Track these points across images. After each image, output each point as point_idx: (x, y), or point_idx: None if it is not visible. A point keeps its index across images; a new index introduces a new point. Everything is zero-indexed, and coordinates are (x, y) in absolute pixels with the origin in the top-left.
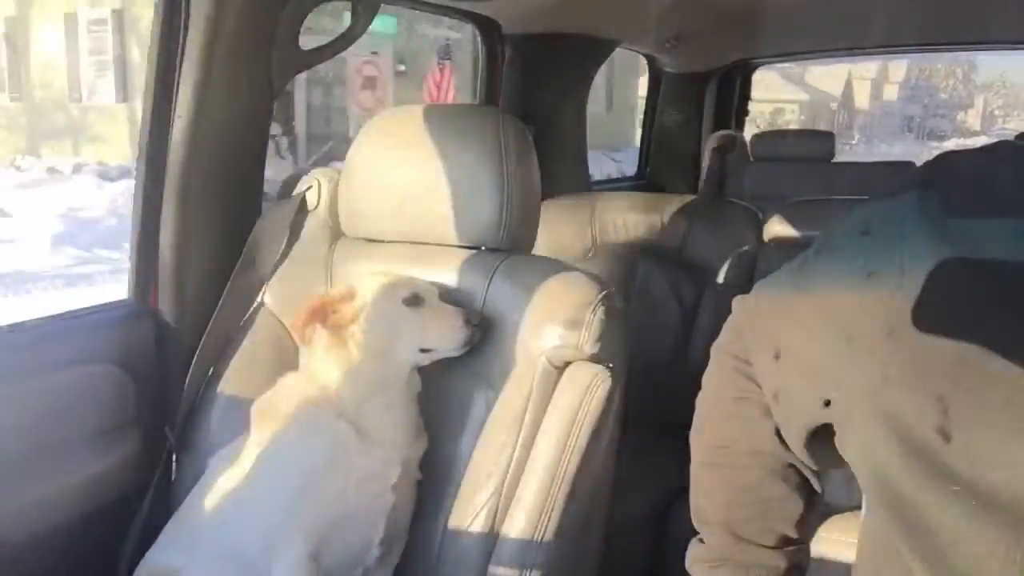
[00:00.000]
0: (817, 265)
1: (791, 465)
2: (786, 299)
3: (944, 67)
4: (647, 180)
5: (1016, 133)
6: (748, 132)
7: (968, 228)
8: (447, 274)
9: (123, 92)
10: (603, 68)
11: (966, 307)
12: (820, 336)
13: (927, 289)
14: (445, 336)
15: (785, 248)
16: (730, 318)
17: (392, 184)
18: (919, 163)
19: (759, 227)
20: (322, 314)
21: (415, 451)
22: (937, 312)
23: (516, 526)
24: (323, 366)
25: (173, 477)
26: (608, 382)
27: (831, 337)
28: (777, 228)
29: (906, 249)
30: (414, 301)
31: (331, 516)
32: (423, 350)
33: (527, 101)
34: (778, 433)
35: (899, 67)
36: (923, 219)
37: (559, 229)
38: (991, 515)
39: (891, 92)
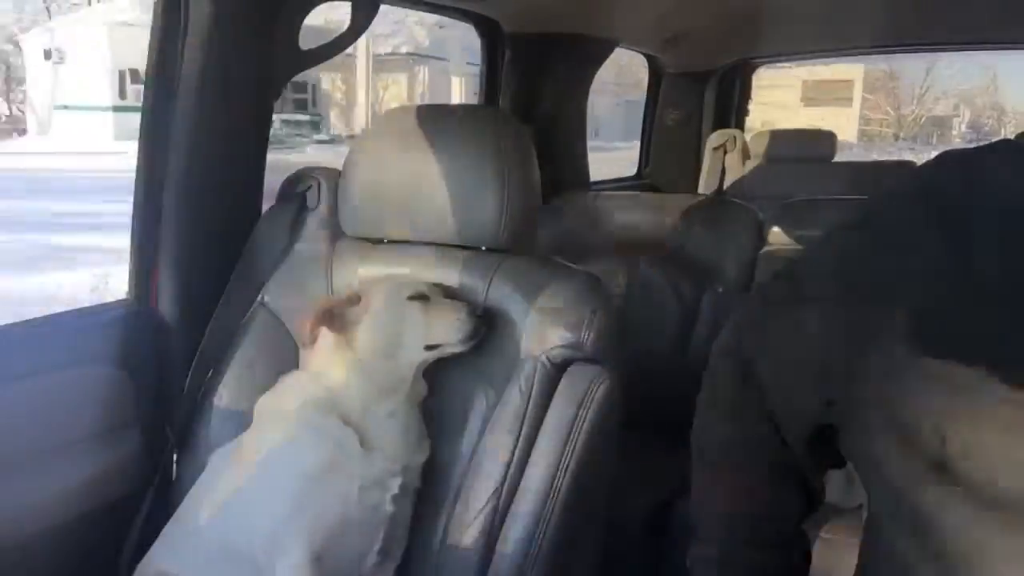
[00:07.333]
0: (815, 280)
1: (791, 465)
2: (787, 303)
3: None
4: (647, 180)
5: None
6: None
7: (967, 241)
8: (447, 274)
9: None
10: None
11: (966, 323)
12: (821, 340)
13: (925, 307)
14: (450, 330)
15: (785, 248)
16: (731, 318)
17: (392, 184)
18: (919, 163)
19: (759, 227)
20: (330, 317)
21: (416, 460)
22: (936, 330)
23: (516, 526)
24: (328, 367)
25: (173, 477)
26: (608, 382)
27: (833, 343)
28: (777, 228)
29: (905, 266)
30: (418, 298)
31: (332, 520)
32: (429, 347)
33: (527, 101)
34: (779, 433)
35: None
36: (922, 234)
37: (559, 229)
38: (996, 515)
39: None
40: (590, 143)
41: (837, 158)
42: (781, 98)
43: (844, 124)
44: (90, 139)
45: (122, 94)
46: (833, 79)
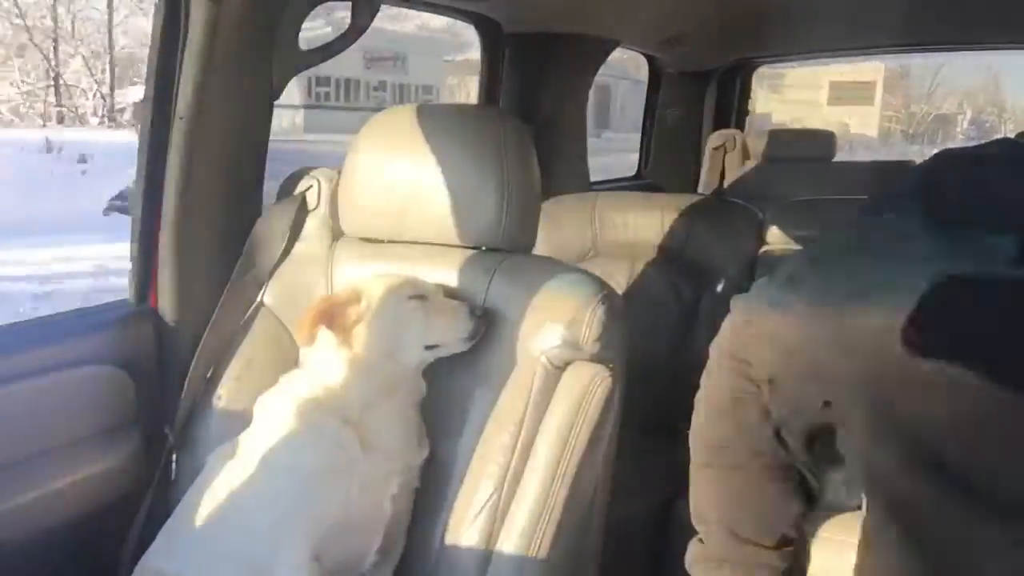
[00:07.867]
0: (812, 279)
1: (790, 465)
2: (785, 303)
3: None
4: (647, 180)
5: None
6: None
7: (963, 243)
8: (447, 274)
9: None
10: None
11: (964, 323)
12: (818, 341)
13: (924, 306)
14: (450, 329)
15: (785, 248)
16: (728, 318)
17: (392, 184)
18: (918, 162)
19: (759, 227)
20: (329, 316)
21: (416, 460)
22: (935, 330)
23: (516, 527)
24: (327, 367)
25: (173, 477)
26: (608, 382)
27: (829, 344)
28: (777, 228)
29: (900, 269)
30: (418, 298)
31: (332, 520)
32: (428, 347)
33: (527, 101)
34: (777, 433)
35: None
36: (920, 233)
37: (559, 229)
38: (992, 517)
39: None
40: (628, 135)
41: (861, 154)
42: (810, 97)
43: (867, 122)
44: (286, 131)
45: (309, 94)
46: (857, 80)
